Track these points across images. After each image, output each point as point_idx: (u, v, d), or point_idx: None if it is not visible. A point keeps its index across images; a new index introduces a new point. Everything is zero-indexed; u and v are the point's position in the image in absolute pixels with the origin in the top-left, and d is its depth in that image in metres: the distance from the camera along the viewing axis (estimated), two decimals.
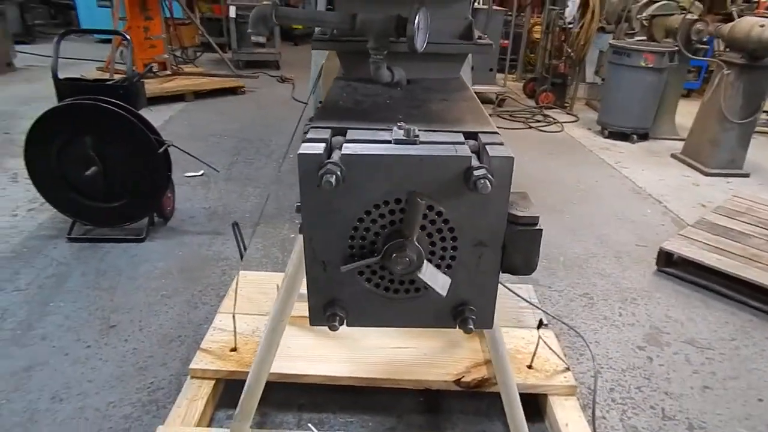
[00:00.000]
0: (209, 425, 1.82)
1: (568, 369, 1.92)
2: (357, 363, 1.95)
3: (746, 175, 4.44)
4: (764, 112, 4.82)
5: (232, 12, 6.52)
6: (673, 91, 5.27)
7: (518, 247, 0.60)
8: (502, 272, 0.62)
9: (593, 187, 4.13)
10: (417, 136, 0.58)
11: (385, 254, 0.57)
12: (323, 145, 0.59)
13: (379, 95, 0.80)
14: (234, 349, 1.98)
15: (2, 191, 3.55)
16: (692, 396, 2.03)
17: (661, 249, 2.91)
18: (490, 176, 0.54)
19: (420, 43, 0.79)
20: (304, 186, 0.58)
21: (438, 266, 0.60)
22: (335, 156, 0.56)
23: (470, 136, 0.63)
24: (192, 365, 1.89)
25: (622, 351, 2.27)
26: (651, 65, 4.92)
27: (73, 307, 2.40)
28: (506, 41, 6.93)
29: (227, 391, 1.91)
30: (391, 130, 0.62)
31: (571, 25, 6.21)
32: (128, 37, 3.33)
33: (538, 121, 5.83)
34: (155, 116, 5.09)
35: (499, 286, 2.10)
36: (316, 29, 0.95)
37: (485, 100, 6.30)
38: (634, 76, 5.02)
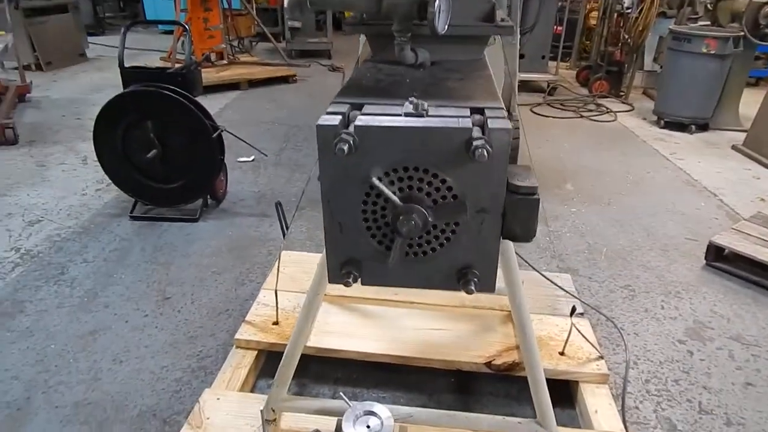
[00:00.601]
0: (251, 391, 1.95)
1: (601, 357, 1.92)
2: (392, 341, 2.03)
3: None
4: None
5: (286, 2, 6.69)
6: (738, 79, 4.99)
7: (517, 214, 0.64)
8: (503, 239, 0.66)
9: (644, 178, 4.00)
10: (426, 110, 0.64)
11: (392, 224, 0.62)
12: (339, 117, 0.65)
13: (402, 75, 0.85)
14: (276, 323, 2.10)
15: (74, 172, 3.85)
16: (733, 392, 1.98)
17: (710, 242, 2.81)
18: (488, 146, 0.58)
19: (441, 26, 0.84)
20: (322, 154, 0.64)
21: (443, 231, 0.65)
22: (350, 127, 0.62)
23: (477, 111, 0.68)
24: (237, 336, 2.03)
25: (661, 344, 2.23)
26: (713, 51, 4.68)
27: (133, 279, 2.60)
28: (560, 28, 6.75)
29: (268, 362, 2.04)
30: (404, 105, 0.68)
31: (629, 11, 5.97)
32: (187, 26, 3.51)
33: (591, 111, 5.67)
34: (212, 104, 5.34)
35: (536, 274, 2.11)
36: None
37: (536, 88, 6.18)
38: (694, 63, 4.79)
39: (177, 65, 4.62)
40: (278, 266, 2.18)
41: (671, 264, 2.85)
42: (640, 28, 5.79)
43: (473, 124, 0.62)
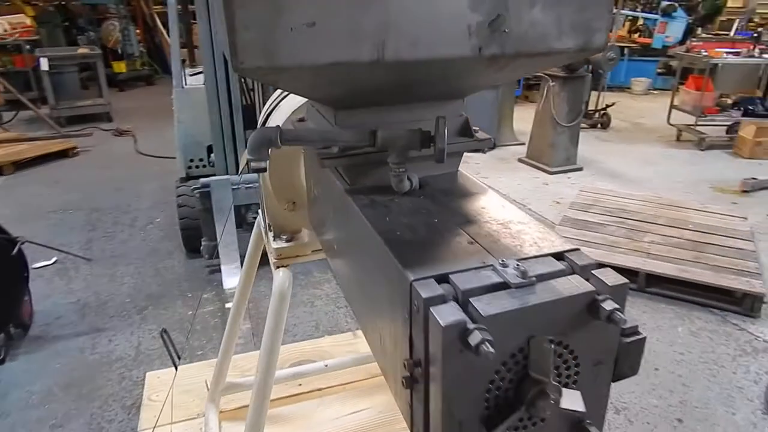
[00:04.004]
0: None
1: None
2: None
3: (580, 169, 5.16)
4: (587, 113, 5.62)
5: (45, 64, 5.69)
6: (508, 102, 5.92)
7: (628, 356, 0.62)
8: (612, 381, 0.64)
9: None
10: (530, 275, 0.57)
11: (528, 403, 0.54)
12: (455, 306, 0.54)
13: (419, 212, 0.77)
14: None
15: None
16: None
17: None
18: (619, 310, 0.55)
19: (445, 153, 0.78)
20: (447, 355, 0.53)
21: None
22: (473, 324, 0.52)
23: (556, 256, 0.64)
24: None
25: None
26: None
27: None
28: None
29: None
30: (492, 266, 0.60)
31: None
32: None
33: None
34: None
35: None
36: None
37: None
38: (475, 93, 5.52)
39: None
40: (166, 396, 1.81)
41: None
42: None
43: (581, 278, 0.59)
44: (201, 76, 3.19)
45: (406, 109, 0.87)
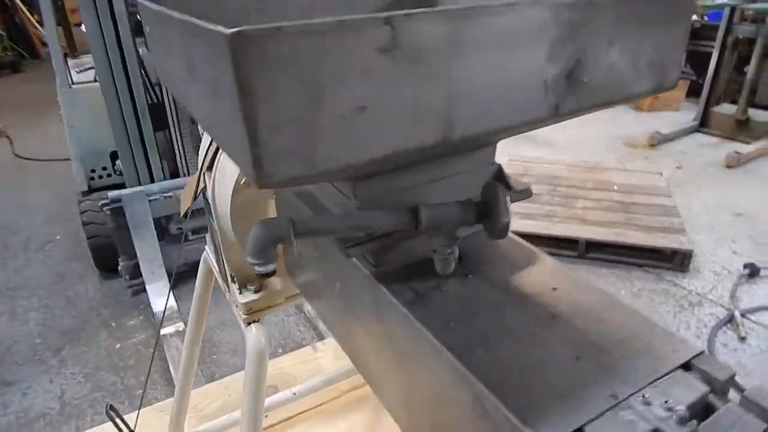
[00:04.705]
0: None
1: None
2: None
3: None
4: None
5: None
6: None
7: None
8: None
9: None
10: (686, 415, 0.44)
11: None
12: None
13: (481, 304, 0.61)
14: None
15: None
16: None
17: None
18: None
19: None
20: None
21: None
22: None
23: (683, 367, 0.52)
24: None
25: None
26: None
27: None
28: None
29: None
30: (629, 403, 0.46)
31: None
32: None
33: None
34: None
35: None
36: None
37: None
38: None
39: None
40: None
41: None
42: None
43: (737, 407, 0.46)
44: (92, 71, 2.72)
45: (433, 165, 0.69)
